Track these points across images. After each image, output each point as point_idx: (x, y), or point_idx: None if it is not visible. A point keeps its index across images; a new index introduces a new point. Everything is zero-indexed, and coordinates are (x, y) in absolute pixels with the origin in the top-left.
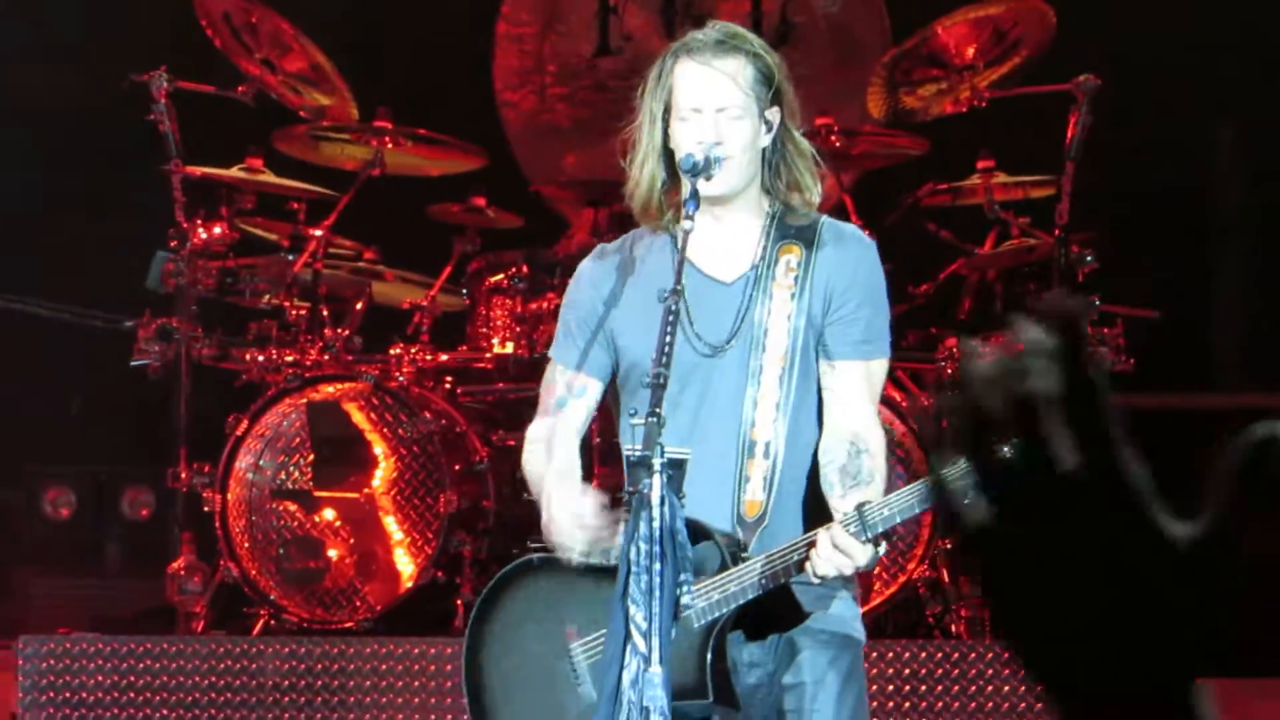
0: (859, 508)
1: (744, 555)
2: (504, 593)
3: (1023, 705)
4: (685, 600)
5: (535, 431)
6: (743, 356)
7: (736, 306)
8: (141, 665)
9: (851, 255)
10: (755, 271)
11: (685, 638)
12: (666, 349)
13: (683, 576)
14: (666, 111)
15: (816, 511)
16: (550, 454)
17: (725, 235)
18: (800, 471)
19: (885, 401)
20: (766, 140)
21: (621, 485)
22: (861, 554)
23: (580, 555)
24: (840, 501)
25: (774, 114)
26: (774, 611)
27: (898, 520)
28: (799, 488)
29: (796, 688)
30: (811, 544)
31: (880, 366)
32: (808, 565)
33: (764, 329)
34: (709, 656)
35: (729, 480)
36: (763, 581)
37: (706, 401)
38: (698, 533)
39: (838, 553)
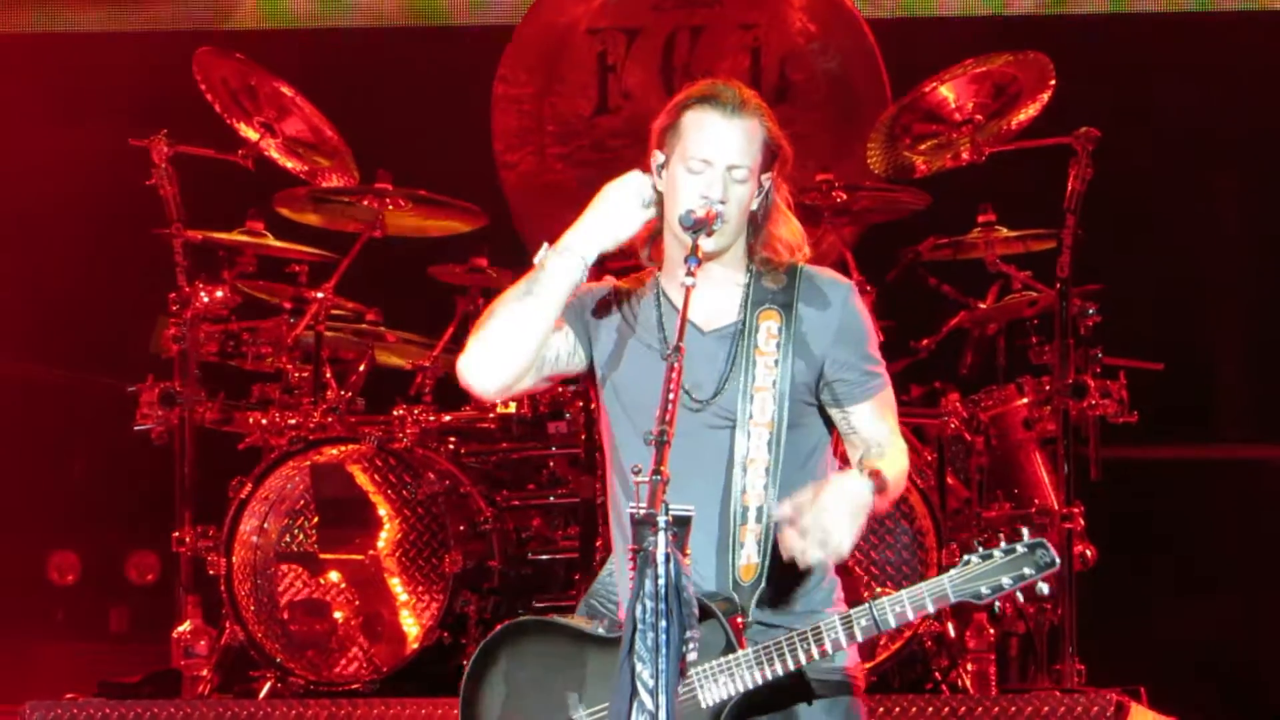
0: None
1: (746, 622)
2: (500, 653)
3: None
4: (691, 677)
5: None
6: (729, 422)
7: (719, 361)
8: None
9: (834, 308)
10: (736, 331)
11: (694, 718)
12: (670, 406)
13: (689, 634)
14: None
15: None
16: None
17: (708, 286)
18: None
19: None
20: (756, 203)
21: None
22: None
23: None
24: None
25: (767, 179)
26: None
27: (929, 608)
28: None
29: None
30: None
31: (889, 391)
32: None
33: (749, 396)
34: None
35: (721, 544)
36: (778, 666)
37: (692, 465)
38: (700, 611)
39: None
